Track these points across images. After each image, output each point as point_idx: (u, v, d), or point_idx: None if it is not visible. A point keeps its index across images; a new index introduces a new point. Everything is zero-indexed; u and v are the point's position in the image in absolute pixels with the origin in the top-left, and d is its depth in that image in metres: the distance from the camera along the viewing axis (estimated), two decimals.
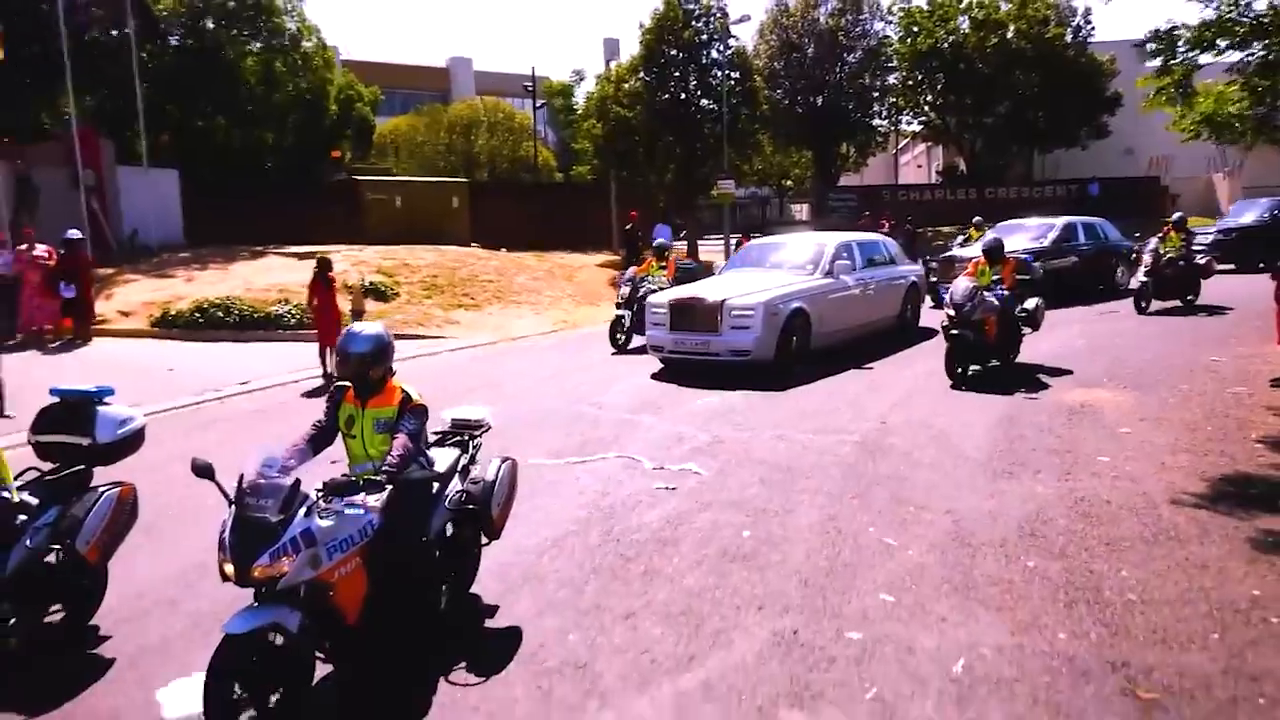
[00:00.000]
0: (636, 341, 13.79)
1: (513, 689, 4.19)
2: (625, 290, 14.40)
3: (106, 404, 5.09)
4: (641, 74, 29.40)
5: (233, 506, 3.89)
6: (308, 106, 30.27)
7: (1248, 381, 9.79)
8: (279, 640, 3.73)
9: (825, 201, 41.77)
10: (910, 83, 41.98)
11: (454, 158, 38.98)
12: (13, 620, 4.41)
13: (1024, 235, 17.63)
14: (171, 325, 16.66)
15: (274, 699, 3.71)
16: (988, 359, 10.76)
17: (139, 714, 4.07)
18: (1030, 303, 10.98)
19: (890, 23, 41.92)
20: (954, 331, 10.32)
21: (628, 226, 25.79)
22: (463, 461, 5.09)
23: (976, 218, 21.72)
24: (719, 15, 29.63)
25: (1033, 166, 45.04)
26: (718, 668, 4.28)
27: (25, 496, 4.61)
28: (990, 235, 12.73)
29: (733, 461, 7.63)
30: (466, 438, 5.26)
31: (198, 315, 16.75)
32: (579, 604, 5.03)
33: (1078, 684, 4.00)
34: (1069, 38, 39.62)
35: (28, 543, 4.47)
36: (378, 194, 29.18)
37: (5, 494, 4.52)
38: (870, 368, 11.55)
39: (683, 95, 29.70)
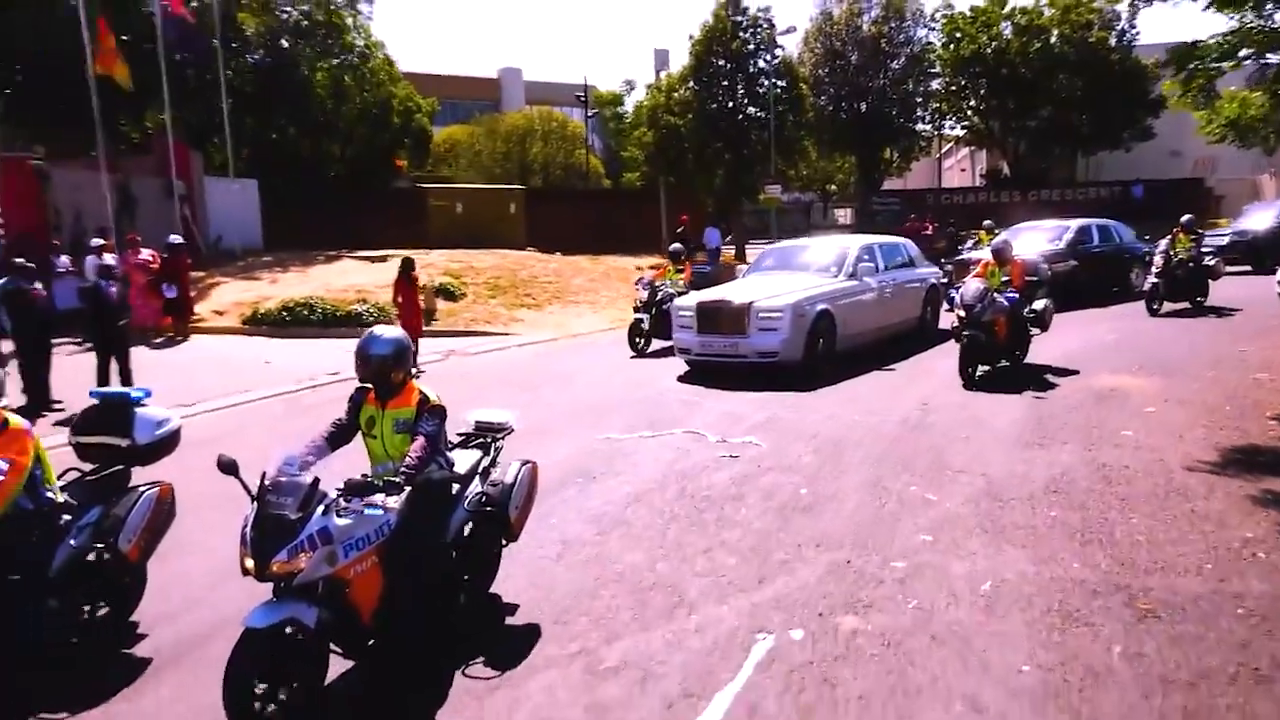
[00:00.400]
0: (655, 345, 14.10)
1: (615, 601, 5.07)
2: (644, 295, 14.38)
3: (144, 406, 5.16)
4: (691, 83, 30.33)
5: (255, 503, 3.98)
6: (372, 119, 31.62)
7: (1271, 368, 10.36)
8: (297, 635, 3.84)
9: (869, 205, 42.27)
10: (953, 88, 42.38)
11: (509, 165, 40.23)
12: (58, 617, 4.43)
13: (1040, 237, 17.59)
14: (260, 323, 17.87)
15: (290, 692, 3.84)
16: (997, 359, 10.90)
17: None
18: (1039, 304, 11.15)
19: (933, 29, 42.42)
20: (966, 333, 10.45)
21: (678, 230, 26.64)
22: (484, 463, 5.12)
23: (987, 221, 21.85)
24: (766, 26, 30.48)
25: (1076, 168, 45.06)
26: (784, 587, 5.12)
27: (67, 497, 4.68)
28: (1001, 237, 13.04)
29: (788, 436, 8.44)
30: (489, 440, 5.27)
31: (284, 314, 17.94)
32: (663, 543, 5.90)
33: (1086, 598, 4.78)
34: (1113, 41, 39.70)
35: (72, 542, 4.52)
36: (440, 200, 30.42)
37: (50, 494, 4.58)
38: (893, 369, 11.69)
39: (730, 103, 30.58)
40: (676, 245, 16.48)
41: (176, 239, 17.30)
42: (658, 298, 14.12)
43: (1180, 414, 8.59)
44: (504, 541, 5.15)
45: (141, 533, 4.76)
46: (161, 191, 22.44)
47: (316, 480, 4.02)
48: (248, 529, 3.89)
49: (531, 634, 4.73)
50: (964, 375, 10.40)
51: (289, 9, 27.59)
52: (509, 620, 4.96)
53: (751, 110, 31.12)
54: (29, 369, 10.92)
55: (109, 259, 13.46)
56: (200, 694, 4.04)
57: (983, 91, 41.43)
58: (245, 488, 4.02)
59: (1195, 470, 6.87)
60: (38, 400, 10.74)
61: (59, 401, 10.83)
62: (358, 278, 21.01)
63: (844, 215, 59.56)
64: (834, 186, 58.71)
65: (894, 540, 5.73)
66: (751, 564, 5.47)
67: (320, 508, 3.97)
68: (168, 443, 5.17)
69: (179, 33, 20.88)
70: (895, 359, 12.18)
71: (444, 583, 4.64)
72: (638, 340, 14.20)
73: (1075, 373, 10.69)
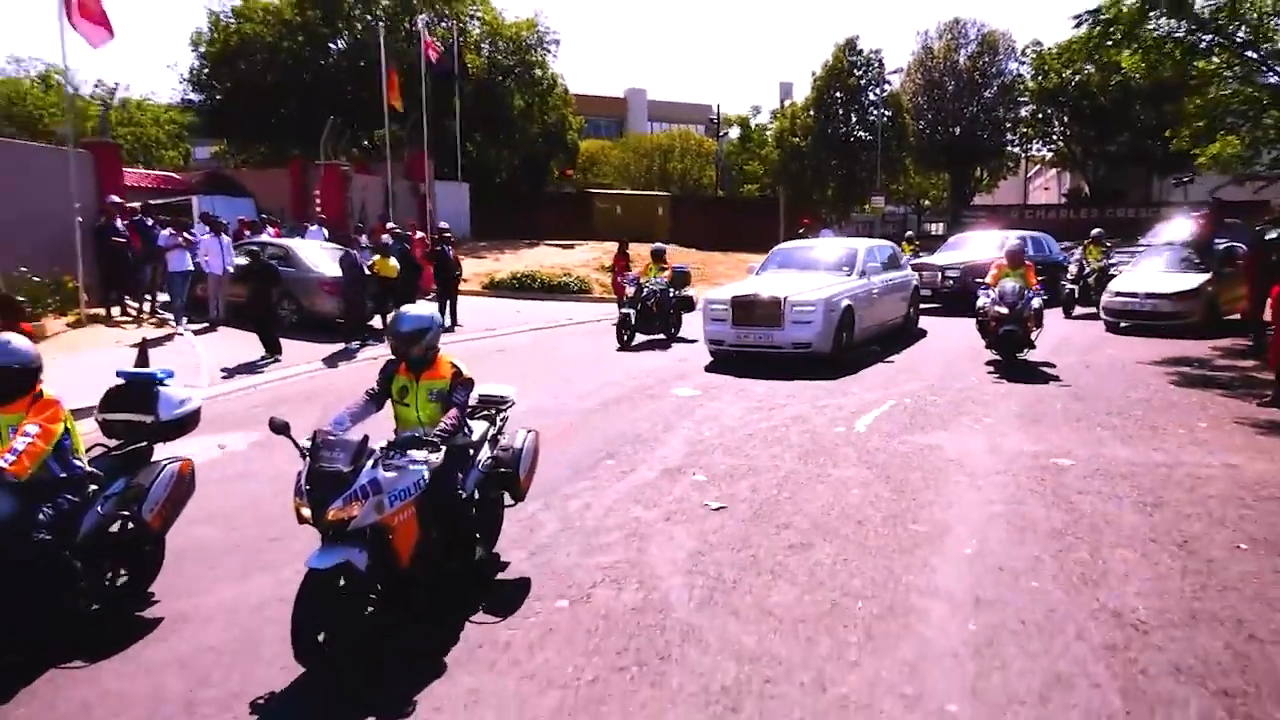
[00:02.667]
0: (639, 339, 14.35)
1: (688, 488, 9.52)
2: (630, 290, 14.44)
3: (167, 385, 5.21)
4: (812, 111, 34.54)
5: (306, 459, 4.15)
6: (549, 136, 36.96)
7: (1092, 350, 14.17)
8: (349, 576, 4.03)
9: (959, 219, 45.58)
10: (1039, 115, 45.22)
11: (651, 176, 45.20)
12: (83, 581, 4.45)
13: (990, 244, 18.36)
14: (497, 288, 23.04)
15: (340, 625, 4.08)
16: (1024, 348, 11.58)
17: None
18: (1036, 301, 11.61)
19: (1023, 63, 45.32)
20: (1007, 327, 11.14)
21: (800, 231, 30.96)
22: (491, 432, 5.31)
23: (909, 232, 23.56)
24: (876, 65, 34.46)
25: (1151, 190, 47.27)
26: (835, 482, 9.54)
27: (94, 469, 4.74)
28: (1014, 241, 14.54)
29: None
30: (494, 412, 5.48)
31: (514, 281, 23.09)
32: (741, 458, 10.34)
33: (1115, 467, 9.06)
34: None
35: (99, 509, 4.59)
36: (604, 203, 35.51)
37: (79, 463, 4.63)
38: (892, 360, 12.38)
39: (845, 128, 34.68)
40: (659, 245, 16.74)
41: (443, 224, 22.54)
42: (643, 294, 14.37)
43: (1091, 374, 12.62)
44: (510, 501, 5.45)
45: (163, 504, 4.83)
46: (409, 191, 28.02)
47: (366, 437, 4.25)
48: (302, 482, 4.09)
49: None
50: (1010, 362, 11.29)
51: (503, 56, 33.20)
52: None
53: (862, 134, 35.21)
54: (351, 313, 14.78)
55: (385, 238, 18.33)
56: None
57: (1066, 119, 44.21)
58: (296, 445, 4.23)
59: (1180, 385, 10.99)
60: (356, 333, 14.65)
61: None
62: (557, 259, 26.19)
63: (936, 228, 62.48)
64: (928, 201, 61.75)
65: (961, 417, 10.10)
66: (805, 465, 9.93)
67: (369, 461, 4.16)
68: (187, 421, 5.24)
69: (436, 70, 26.41)
70: (889, 353, 12.96)
71: (464, 535, 4.87)
72: (624, 334, 14.15)
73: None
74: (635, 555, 5.48)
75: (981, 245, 19.08)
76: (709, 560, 5.38)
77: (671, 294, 14.84)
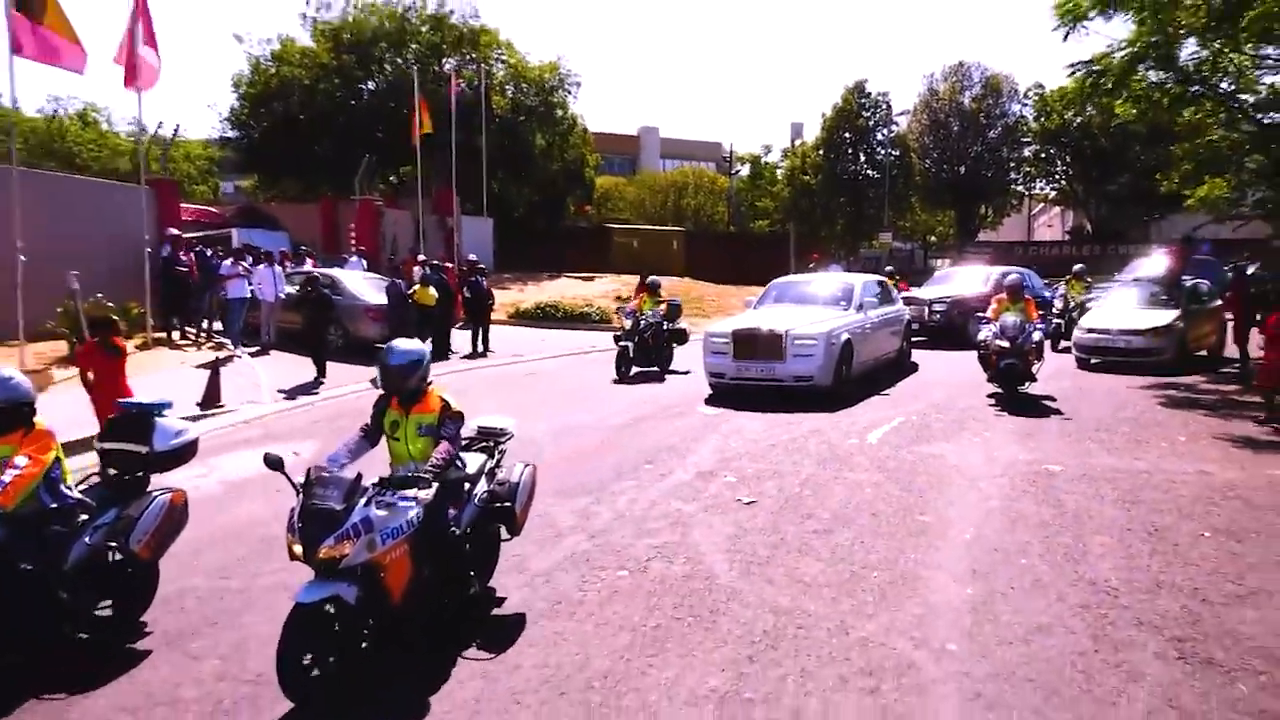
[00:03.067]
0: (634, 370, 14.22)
1: (721, 487, 10.44)
2: (628, 323, 14.50)
3: (164, 417, 5.20)
4: (822, 150, 35.74)
5: (300, 495, 4.12)
6: (568, 173, 38.22)
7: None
8: (337, 611, 4.00)
9: (964, 254, 46.55)
10: (1042, 155, 46.37)
11: (664, 211, 46.48)
12: (70, 610, 4.40)
13: (976, 279, 19.02)
14: (522, 317, 24.01)
15: (330, 662, 3.98)
16: (1025, 382, 11.69)
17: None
18: (1036, 335, 11.82)
19: (1026, 105, 46.56)
20: (1008, 360, 11.28)
21: (810, 265, 31.96)
22: (489, 465, 5.24)
23: (889, 267, 23.61)
24: (884, 107, 35.71)
25: (1151, 228, 48.24)
26: (850, 483, 10.40)
27: (86, 498, 4.73)
28: (1014, 274, 14.58)
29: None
30: (492, 444, 5.40)
31: (538, 311, 24.07)
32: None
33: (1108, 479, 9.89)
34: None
35: (87, 539, 4.54)
36: (622, 238, 36.65)
37: (68, 494, 4.62)
38: (888, 393, 12.45)
39: (854, 167, 35.84)
40: (653, 278, 16.66)
41: (472, 256, 23.59)
42: (640, 326, 14.42)
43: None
44: (506, 535, 5.34)
45: (153, 534, 4.77)
46: (436, 225, 29.16)
47: (359, 475, 4.24)
48: (295, 519, 4.06)
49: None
50: (1011, 394, 11.42)
51: (526, 97, 34.61)
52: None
53: (870, 172, 36.38)
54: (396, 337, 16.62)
55: (417, 270, 19.27)
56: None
57: (1068, 159, 45.33)
58: (290, 482, 4.23)
59: (1165, 407, 11.81)
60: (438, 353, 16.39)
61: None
62: (579, 290, 27.21)
63: (941, 263, 63.52)
64: (934, 237, 62.88)
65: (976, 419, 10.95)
66: (828, 457, 10.79)
67: (362, 500, 4.14)
68: (183, 452, 5.20)
69: (460, 107, 27.71)
70: (884, 386, 12.96)
71: (458, 571, 4.80)
72: (622, 367, 14.09)
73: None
74: (680, 538, 6.33)
75: (967, 280, 19.57)
76: (744, 542, 6.23)
77: (665, 327, 14.85)
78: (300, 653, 3.87)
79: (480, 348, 17.57)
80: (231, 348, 15.69)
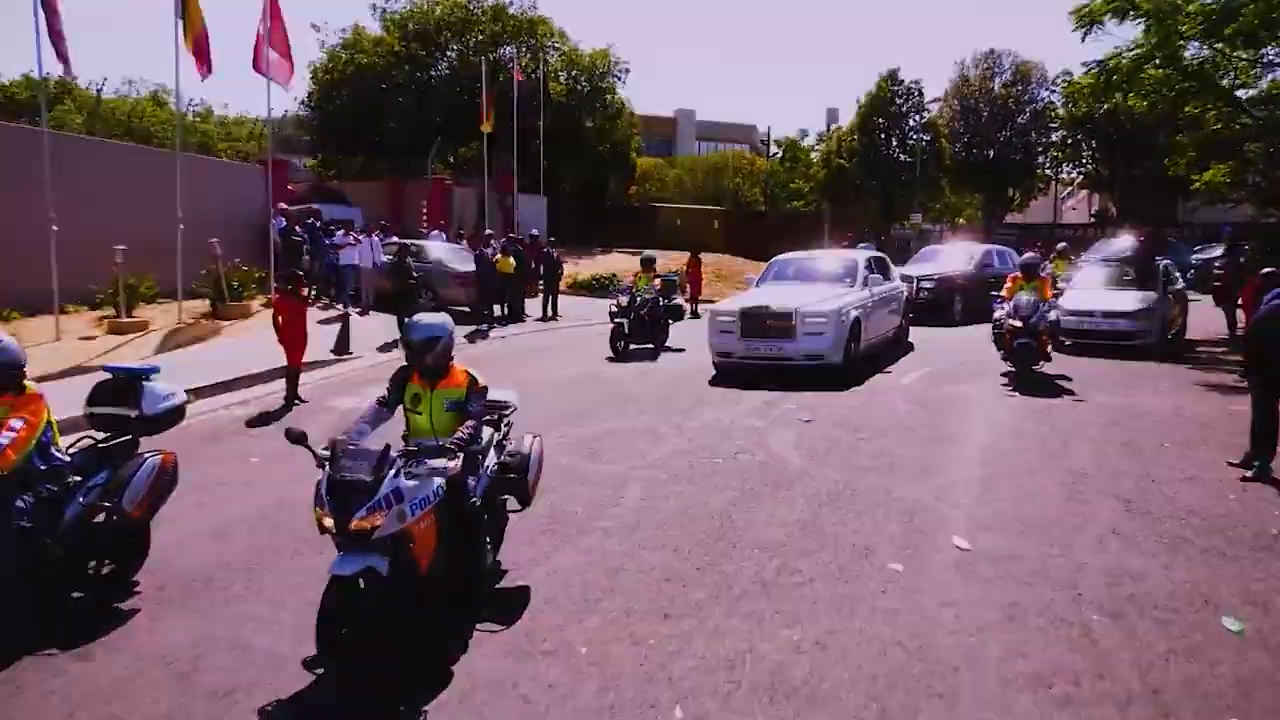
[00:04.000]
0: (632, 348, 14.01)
1: (783, 411, 12.17)
2: (624, 300, 14.19)
3: (152, 381, 5.18)
4: (856, 135, 37.07)
5: (324, 468, 4.09)
6: (614, 154, 39.92)
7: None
8: (369, 581, 3.98)
9: (992, 237, 47.58)
10: (1070, 140, 47.13)
11: (705, 192, 48.02)
12: (65, 569, 4.45)
13: (960, 256, 19.38)
14: (580, 288, 25.81)
15: (360, 628, 3.97)
16: (1039, 361, 11.31)
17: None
18: (1051, 314, 11.45)
19: (1054, 91, 47.25)
20: (1021, 340, 10.90)
21: (844, 244, 33.50)
22: (496, 438, 5.22)
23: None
24: (916, 94, 36.91)
25: (1178, 210, 48.89)
26: (888, 409, 12.08)
27: (77, 461, 4.73)
28: (1028, 255, 13.52)
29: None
30: (498, 417, 5.33)
31: (594, 282, 25.88)
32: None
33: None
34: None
35: (80, 499, 4.58)
36: (667, 217, 38.33)
37: (58, 456, 4.64)
38: (889, 371, 12.18)
39: (886, 151, 37.14)
40: (649, 254, 16.39)
41: (535, 232, 25.43)
42: (636, 303, 14.12)
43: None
44: (518, 506, 5.29)
45: (145, 495, 4.78)
46: (496, 202, 31.04)
47: (388, 446, 4.17)
48: (323, 491, 4.01)
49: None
50: (1024, 375, 10.93)
51: (578, 83, 36.38)
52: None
53: (902, 156, 37.62)
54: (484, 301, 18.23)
55: (491, 244, 20.96)
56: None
57: (1095, 144, 46.08)
58: (314, 454, 4.16)
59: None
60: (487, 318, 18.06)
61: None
62: (628, 265, 28.92)
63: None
64: (962, 219, 63.71)
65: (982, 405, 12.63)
66: (840, 429, 12.48)
67: (391, 471, 4.08)
68: (171, 415, 5.20)
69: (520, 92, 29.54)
70: (886, 364, 12.61)
71: (475, 542, 4.76)
72: (618, 344, 13.73)
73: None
74: (757, 441, 8.17)
75: (952, 257, 20.00)
76: (807, 443, 8.05)
77: (660, 303, 14.60)
78: (337, 621, 3.90)
79: (549, 313, 19.43)
80: (343, 308, 17.66)
